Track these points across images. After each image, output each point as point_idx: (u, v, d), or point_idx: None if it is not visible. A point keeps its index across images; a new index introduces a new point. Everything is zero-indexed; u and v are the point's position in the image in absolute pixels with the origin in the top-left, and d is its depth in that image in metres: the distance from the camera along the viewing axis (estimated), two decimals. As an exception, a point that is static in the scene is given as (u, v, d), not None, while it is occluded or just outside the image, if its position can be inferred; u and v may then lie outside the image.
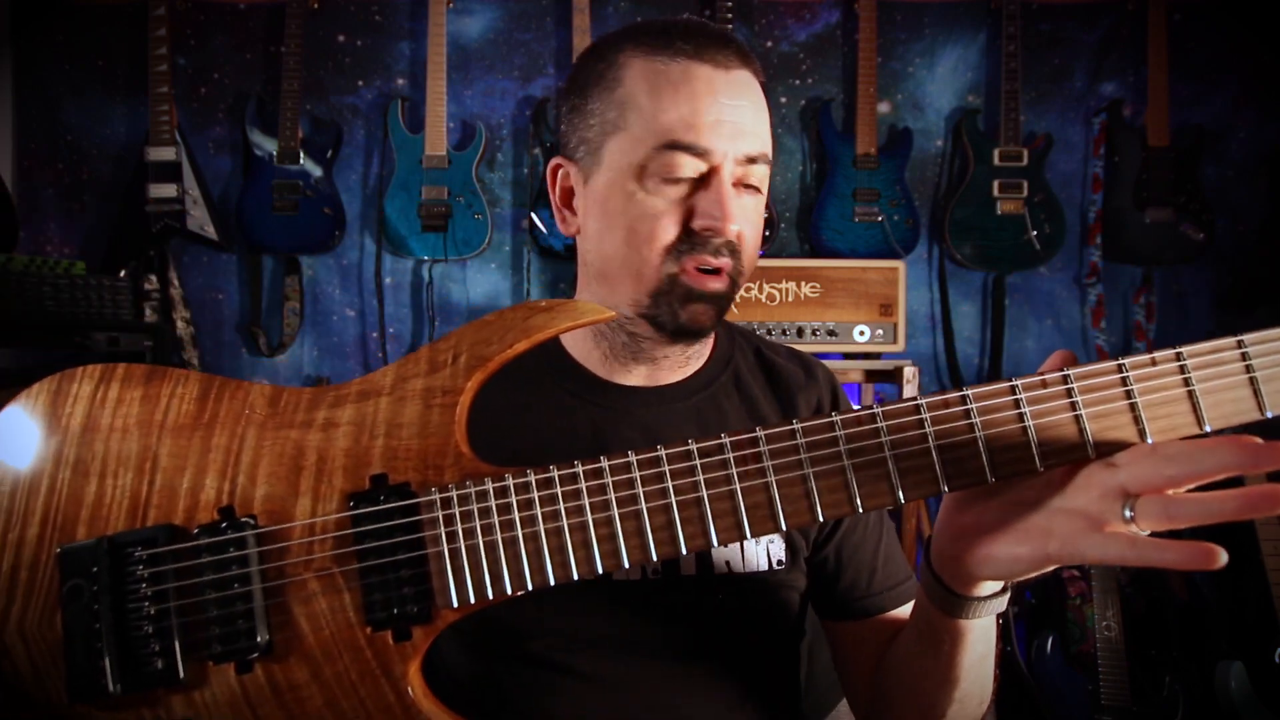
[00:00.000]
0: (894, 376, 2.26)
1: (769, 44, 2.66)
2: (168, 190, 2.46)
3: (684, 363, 0.92)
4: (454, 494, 0.60)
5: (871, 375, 2.31)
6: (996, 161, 2.52)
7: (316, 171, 2.54)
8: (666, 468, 0.60)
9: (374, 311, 2.63)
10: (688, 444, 0.60)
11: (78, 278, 2.21)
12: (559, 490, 0.60)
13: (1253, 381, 0.58)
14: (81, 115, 2.62)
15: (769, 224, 2.52)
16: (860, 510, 0.58)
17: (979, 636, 0.70)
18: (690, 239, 0.79)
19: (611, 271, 0.84)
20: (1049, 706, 2.07)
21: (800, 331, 2.29)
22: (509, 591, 0.59)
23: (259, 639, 0.59)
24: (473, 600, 0.59)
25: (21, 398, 0.63)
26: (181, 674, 0.59)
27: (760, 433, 0.59)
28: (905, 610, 0.89)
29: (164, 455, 0.61)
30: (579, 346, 0.91)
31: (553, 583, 0.59)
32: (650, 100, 0.78)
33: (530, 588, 0.59)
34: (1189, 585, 2.20)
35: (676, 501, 0.59)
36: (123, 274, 2.36)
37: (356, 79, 2.64)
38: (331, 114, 2.63)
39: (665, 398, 0.90)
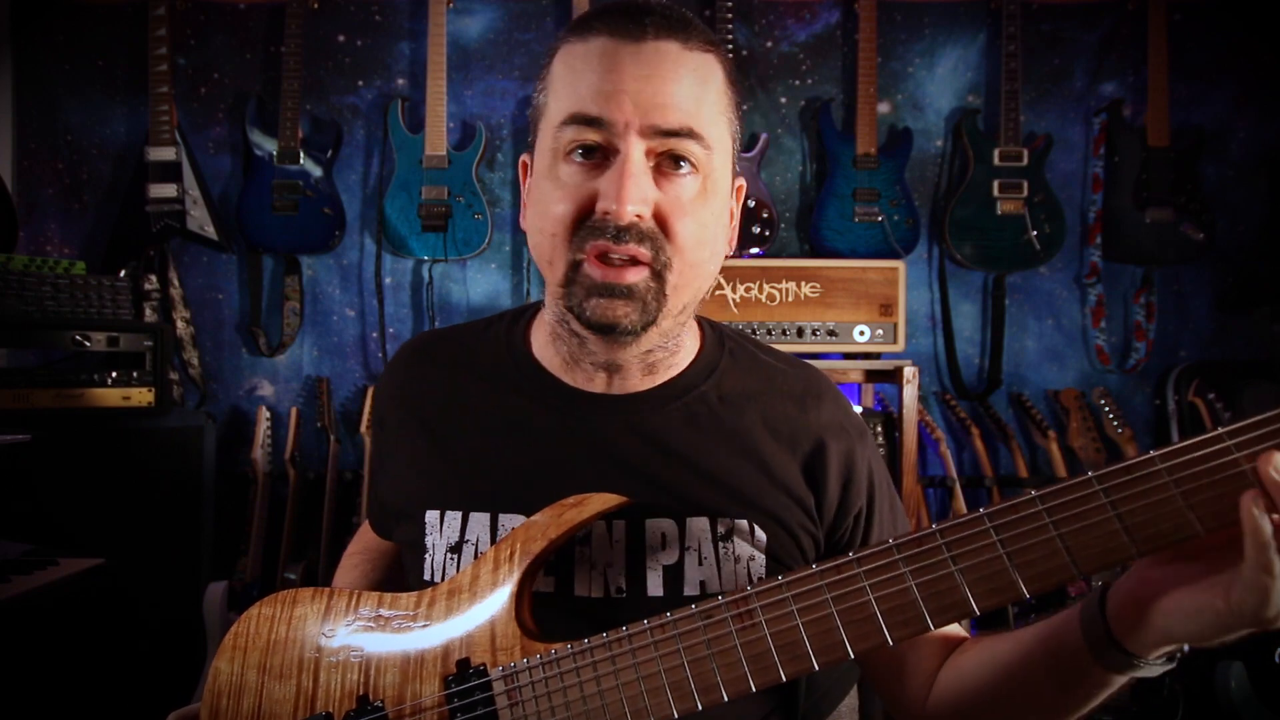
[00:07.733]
0: (894, 376, 2.26)
1: (769, 44, 2.66)
2: (168, 190, 2.46)
3: (650, 370, 0.85)
4: (516, 670, 0.74)
5: (871, 375, 2.32)
6: (996, 161, 2.52)
7: (316, 171, 2.54)
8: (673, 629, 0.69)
9: (374, 311, 2.63)
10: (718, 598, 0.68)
11: (78, 278, 2.21)
12: (593, 659, 0.72)
13: None
14: (81, 115, 2.62)
15: (769, 224, 2.52)
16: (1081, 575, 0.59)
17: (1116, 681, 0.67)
18: (590, 222, 0.73)
19: (540, 262, 0.80)
20: (1049, 706, 2.07)
21: (800, 331, 2.29)
22: None
23: None
24: None
25: (234, 627, 0.83)
26: None
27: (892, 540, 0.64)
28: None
29: (323, 660, 0.81)
30: (544, 351, 0.89)
31: None
32: (562, 82, 0.76)
33: None
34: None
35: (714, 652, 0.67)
36: (123, 274, 2.35)
37: (356, 79, 2.64)
38: (331, 114, 2.63)
39: (625, 407, 0.84)
